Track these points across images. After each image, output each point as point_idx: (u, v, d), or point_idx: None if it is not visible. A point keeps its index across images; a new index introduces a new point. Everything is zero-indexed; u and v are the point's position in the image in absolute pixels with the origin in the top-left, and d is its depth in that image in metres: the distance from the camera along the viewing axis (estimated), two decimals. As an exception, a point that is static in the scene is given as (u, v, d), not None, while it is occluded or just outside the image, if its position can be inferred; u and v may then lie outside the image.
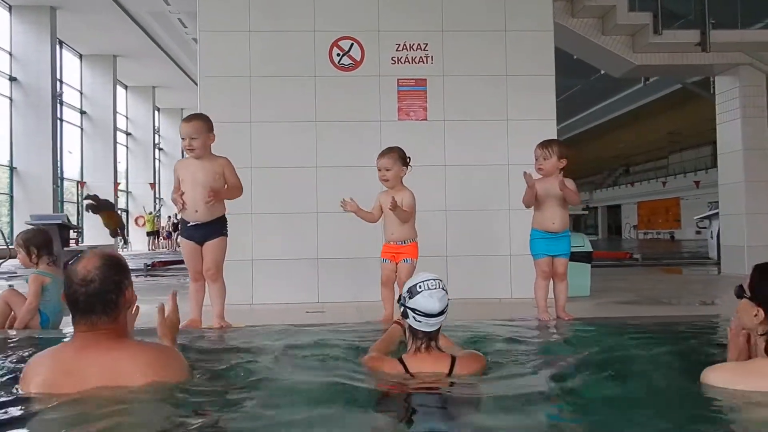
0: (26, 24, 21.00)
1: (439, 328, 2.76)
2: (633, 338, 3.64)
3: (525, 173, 4.37)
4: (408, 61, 5.95)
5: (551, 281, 4.56)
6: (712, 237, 12.40)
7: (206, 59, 5.89)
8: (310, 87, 5.88)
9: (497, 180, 5.93)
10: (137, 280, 9.90)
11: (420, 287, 2.71)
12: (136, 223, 29.05)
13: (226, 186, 4.19)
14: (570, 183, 4.47)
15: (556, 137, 5.78)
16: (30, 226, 5.67)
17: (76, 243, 13.13)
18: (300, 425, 2.13)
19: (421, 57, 5.96)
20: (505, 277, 5.91)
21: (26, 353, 3.24)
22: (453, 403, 2.45)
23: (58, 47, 22.57)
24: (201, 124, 4.15)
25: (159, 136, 32.82)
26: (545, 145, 4.50)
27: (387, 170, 4.23)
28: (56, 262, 4.23)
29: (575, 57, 9.36)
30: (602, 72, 12.24)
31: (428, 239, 5.72)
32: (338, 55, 5.91)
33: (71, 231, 11.86)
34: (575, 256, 6.20)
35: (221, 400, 2.35)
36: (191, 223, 4.14)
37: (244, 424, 2.13)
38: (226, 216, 4.27)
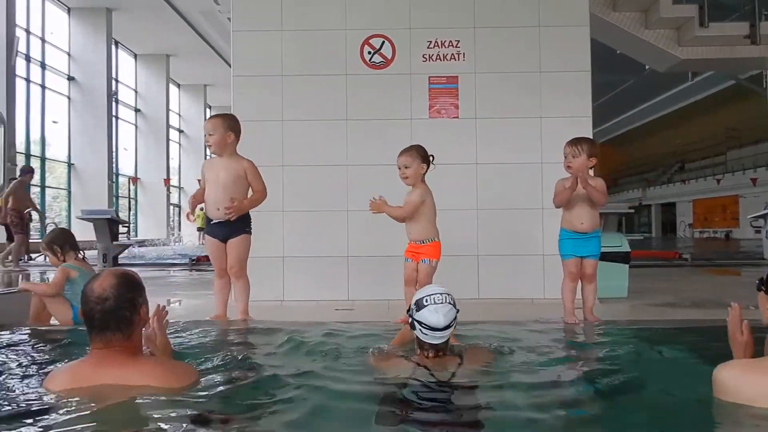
0: (83, 25, 21.71)
1: (447, 341, 2.74)
2: (660, 342, 3.54)
3: (577, 177, 4.27)
4: (439, 59, 5.91)
5: (580, 282, 4.48)
6: (766, 237, 11.96)
7: (239, 59, 5.98)
8: (341, 85, 5.89)
9: (530, 178, 5.84)
10: (182, 274, 10.15)
11: (426, 301, 2.71)
12: (188, 218, 29.77)
13: (249, 189, 4.27)
14: (599, 182, 4.37)
15: (591, 135, 5.66)
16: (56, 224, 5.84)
17: (127, 237, 13.51)
18: (305, 423, 2.18)
19: (452, 54, 5.91)
20: (538, 278, 5.81)
21: (52, 347, 3.39)
22: (459, 401, 2.43)
23: (113, 47, 23.25)
24: (219, 121, 4.26)
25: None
26: (575, 142, 4.40)
27: (406, 168, 4.21)
28: (84, 257, 4.39)
29: (618, 52, 9.13)
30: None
31: (459, 238, 5.70)
32: (369, 53, 5.91)
33: (120, 226, 12.26)
34: (612, 257, 6.08)
35: (229, 401, 2.39)
36: (214, 221, 4.23)
37: (252, 423, 2.16)
38: (250, 213, 4.34)
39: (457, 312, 2.79)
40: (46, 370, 2.78)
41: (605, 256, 6.01)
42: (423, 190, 4.25)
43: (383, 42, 5.91)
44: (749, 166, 33.16)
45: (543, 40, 5.91)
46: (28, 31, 19.51)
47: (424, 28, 5.91)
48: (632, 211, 11.28)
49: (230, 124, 4.29)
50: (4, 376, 2.69)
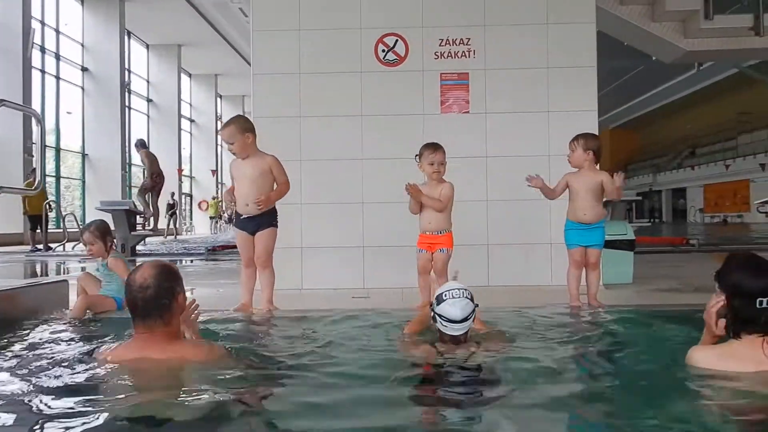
0: (96, 16, 21.88)
1: (466, 332, 3.01)
2: (660, 326, 3.79)
3: (527, 177, 4.79)
4: (451, 56, 6.12)
5: (584, 270, 4.75)
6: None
7: (259, 57, 6.21)
8: (356, 82, 6.12)
9: (537, 170, 5.92)
10: (198, 264, 10.43)
11: (445, 296, 3.00)
12: (200, 207, 30.11)
13: (275, 183, 4.53)
14: (606, 177, 4.61)
15: (596, 128, 5.89)
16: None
17: (143, 227, 13.83)
18: (327, 407, 2.33)
19: (463, 51, 6.12)
20: (546, 265, 6.05)
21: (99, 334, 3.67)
22: (471, 382, 2.68)
23: (126, 38, 23.45)
24: (233, 128, 4.45)
25: (221, 123, 33.75)
26: (573, 139, 4.77)
27: (441, 165, 4.49)
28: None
29: (626, 44, 9.28)
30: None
31: (470, 229, 5.93)
32: (383, 51, 6.13)
33: (137, 216, 12.59)
34: (618, 244, 6.31)
35: (256, 386, 2.57)
36: (244, 216, 4.52)
37: (278, 405, 2.37)
38: (276, 207, 4.62)
39: (476, 306, 3.05)
40: (90, 351, 3.05)
41: (611, 244, 6.23)
42: (450, 185, 4.53)
43: (396, 40, 6.13)
44: (760, 151, 33.09)
45: (551, 36, 6.11)
46: (42, 23, 19.77)
47: (437, 27, 6.12)
48: (639, 198, 11.45)
49: (244, 126, 4.48)
50: (56, 360, 2.94)
